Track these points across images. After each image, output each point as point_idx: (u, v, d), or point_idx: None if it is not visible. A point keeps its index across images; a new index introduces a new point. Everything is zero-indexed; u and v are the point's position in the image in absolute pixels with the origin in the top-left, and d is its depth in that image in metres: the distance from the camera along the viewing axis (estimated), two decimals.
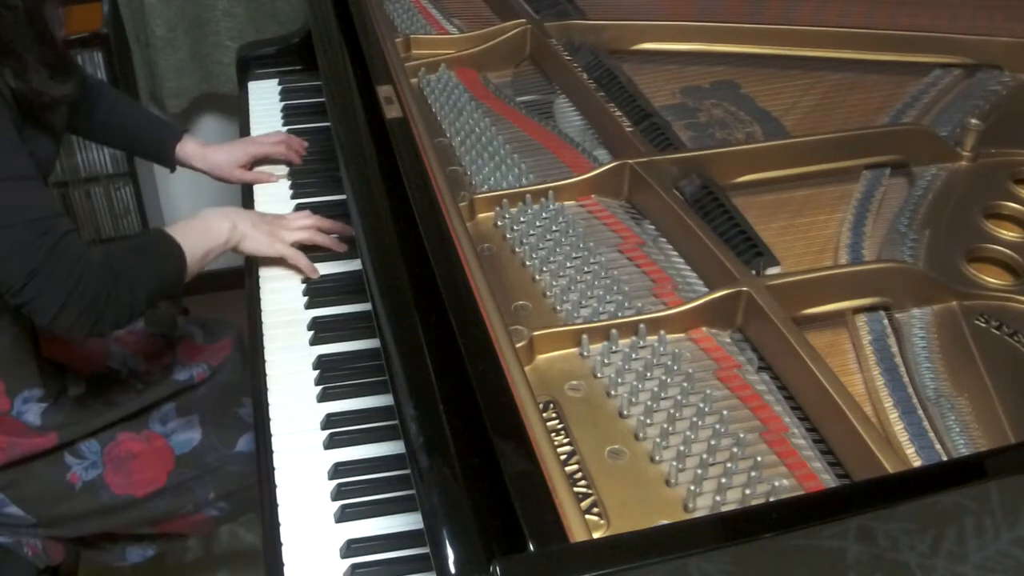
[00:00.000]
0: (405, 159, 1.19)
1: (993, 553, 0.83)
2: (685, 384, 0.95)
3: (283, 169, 1.63)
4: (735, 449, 0.88)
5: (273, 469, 1.14)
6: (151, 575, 1.92)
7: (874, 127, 1.33)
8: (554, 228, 1.15)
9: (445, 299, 0.98)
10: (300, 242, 1.40)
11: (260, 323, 1.34)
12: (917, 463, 0.88)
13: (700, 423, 0.91)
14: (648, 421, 0.91)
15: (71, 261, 1.13)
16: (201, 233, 1.32)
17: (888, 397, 0.96)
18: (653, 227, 1.17)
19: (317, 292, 1.38)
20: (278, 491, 1.12)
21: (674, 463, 0.86)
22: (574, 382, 0.96)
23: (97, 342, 1.46)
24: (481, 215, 1.18)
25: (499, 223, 1.17)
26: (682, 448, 0.89)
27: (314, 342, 1.31)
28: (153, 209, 2.43)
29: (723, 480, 0.85)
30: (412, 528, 1.07)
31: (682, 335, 1.02)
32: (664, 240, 1.15)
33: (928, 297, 1.06)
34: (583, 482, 0.85)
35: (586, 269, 1.09)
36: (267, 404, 1.22)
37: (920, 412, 0.94)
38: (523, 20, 1.52)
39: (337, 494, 1.11)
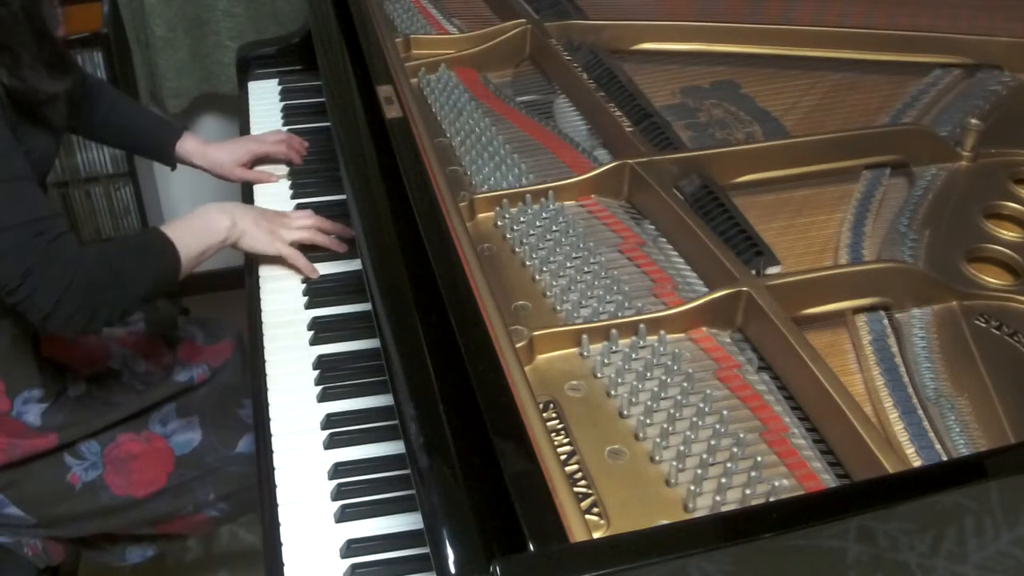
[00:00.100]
0: (405, 159, 1.19)
1: (993, 553, 0.83)
2: (685, 384, 0.95)
3: (283, 169, 1.63)
4: (735, 449, 0.88)
5: (273, 469, 1.14)
6: (151, 575, 1.92)
7: (874, 127, 1.33)
8: (554, 228, 1.15)
9: (445, 299, 0.98)
10: (300, 241, 1.40)
11: (260, 323, 1.34)
12: (917, 463, 0.88)
13: (700, 423, 0.91)
14: (648, 421, 0.91)
15: (65, 262, 1.14)
16: (199, 230, 1.32)
17: (888, 397, 0.96)
18: (653, 227, 1.17)
19: (317, 292, 1.38)
20: (278, 491, 1.12)
21: (674, 463, 0.86)
22: (574, 382, 0.96)
23: (97, 342, 1.46)
24: (481, 215, 1.18)
25: (499, 223, 1.17)
26: (682, 448, 0.89)
27: (314, 342, 1.31)
28: (153, 209, 2.43)
29: (723, 480, 0.85)
30: (412, 528, 1.07)
31: (682, 335, 1.02)
32: (664, 240, 1.15)
33: (928, 297, 1.06)
34: (583, 482, 0.85)
35: (586, 269, 1.09)
36: (267, 404, 1.22)
37: (920, 412, 0.94)
38: (523, 20, 1.52)
39: (337, 494, 1.11)
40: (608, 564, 0.71)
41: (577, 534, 0.76)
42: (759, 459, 0.87)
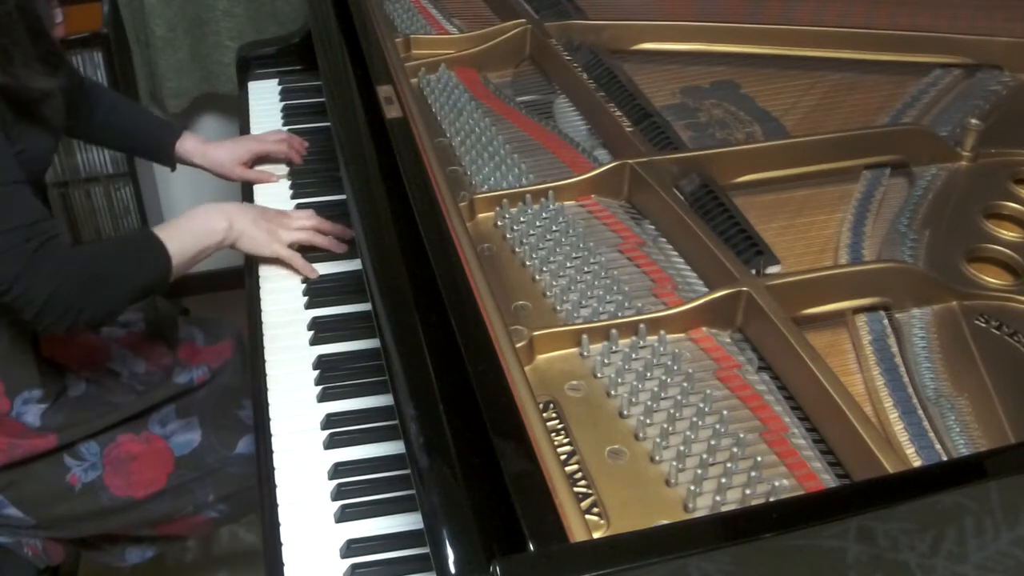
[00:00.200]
0: (405, 159, 1.19)
1: (993, 553, 0.83)
2: (685, 384, 0.95)
3: (283, 169, 1.63)
4: (735, 449, 0.88)
5: (273, 469, 1.14)
6: (151, 575, 1.92)
7: (874, 127, 1.33)
8: (554, 228, 1.15)
9: (445, 299, 0.98)
10: (298, 242, 1.40)
11: (260, 323, 1.34)
12: (917, 463, 0.88)
13: (700, 423, 0.91)
14: (648, 421, 0.91)
15: (54, 264, 1.16)
16: (196, 231, 1.32)
17: (888, 397, 0.96)
18: (653, 227, 1.17)
19: (317, 292, 1.38)
20: (278, 491, 1.12)
21: (674, 463, 0.86)
22: (574, 382, 0.96)
23: (97, 343, 1.46)
24: (481, 215, 1.18)
25: (499, 223, 1.17)
26: (682, 448, 0.88)
27: (314, 342, 1.31)
28: (153, 209, 2.43)
29: (723, 480, 0.85)
30: (412, 528, 1.07)
31: (682, 335, 1.02)
32: (664, 240, 1.15)
33: (928, 297, 1.06)
34: (583, 482, 0.85)
35: (586, 269, 1.09)
36: (267, 404, 1.22)
37: (920, 412, 0.94)
38: (523, 20, 1.52)
39: (337, 494, 1.11)
40: (608, 564, 0.71)
41: (577, 534, 0.76)
42: (759, 459, 0.87)
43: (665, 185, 1.16)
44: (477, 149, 1.28)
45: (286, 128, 1.73)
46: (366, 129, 1.29)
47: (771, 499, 0.84)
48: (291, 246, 1.40)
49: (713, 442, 0.89)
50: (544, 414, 0.89)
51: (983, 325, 1.03)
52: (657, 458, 0.88)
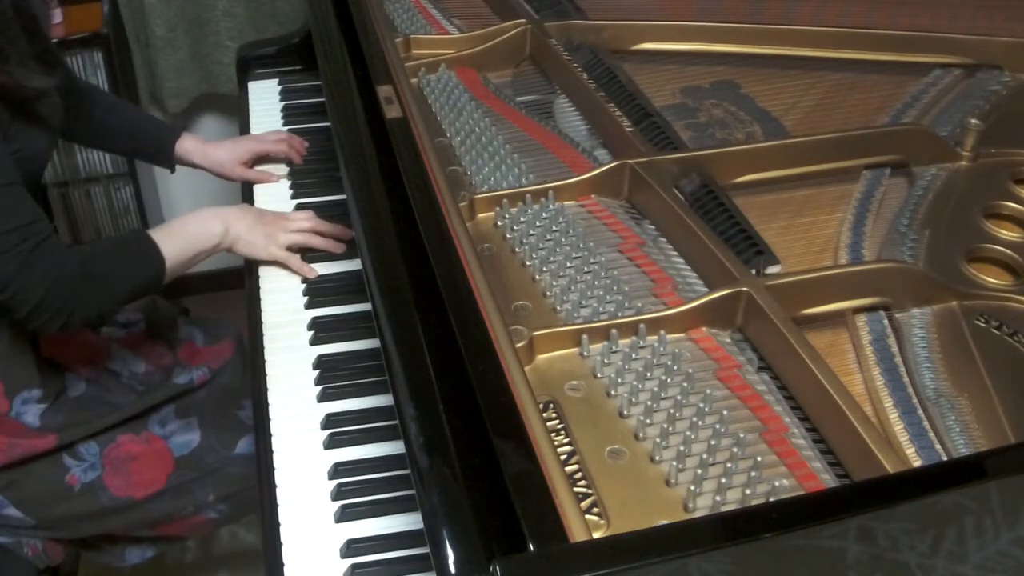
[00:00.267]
0: (405, 159, 1.19)
1: (993, 553, 0.83)
2: (685, 384, 0.95)
3: (283, 169, 1.63)
4: (735, 449, 0.88)
5: (273, 469, 1.14)
6: (151, 575, 1.92)
7: (874, 127, 1.33)
8: (554, 228, 1.14)
9: (445, 299, 0.98)
10: (296, 244, 1.41)
11: (260, 323, 1.34)
12: (917, 463, 0.88)
13: (700, 423, 0.91)
14: (648, 421, 0.91)
15: (48, 265, 1.17)
16: (191, 235, 1.33)
17: (888, 397, 0.96)
18: (653, 227, 1.17)
19: (317, 292, 1.38)
20: (278, 491, 1.12)
21: (674, 463, 0.86)
22: (574, 382, 0.96)
23: (97, 343, 1.46)
24: (481, 215, 1.18)
25: (499, 223, 1.17)
26: (682, 448, 0.88)
27: (314, 342, 1.31)
28: (153, 209, 2.43)
29: (723, 480, 0.85)
30: (412, 528, 1.07)
31: (682, 335, 1.02)
32: (664, 240, 1.15)
33: (928, 297, 1.06)
34: (583, 482, 0.85)
35: (586, 269, 1.09)
36: (267, 404, 1.23)
37: (920, 412, 0.94)
38: (523, 20, 1.52)
39: (337, 494, 1.11)
40: (608, 564, 0.70)
41: (577, 534, 0.76)
42: (759, 459, 0.87)
43: (665, 185, 1.16)
44: (477, 149, 1.28)
45: (286, 128, 1.73)
46: (366, 129, 1.29)
47: (771, 499, 0.84)
48: (289, 248, 1.40)
49: (713, 442, 0.89)
50: (544, 414, 0.89)
51: (983, 325, 1.03)
52: (657, 458, 0.88)
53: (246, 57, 1.90)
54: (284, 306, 1.37)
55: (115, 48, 2.12)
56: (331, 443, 1.17)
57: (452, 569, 0.77)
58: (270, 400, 1.23)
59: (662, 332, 1.00)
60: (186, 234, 1.33)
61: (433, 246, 1.05)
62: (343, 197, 1.49)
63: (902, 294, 1.06)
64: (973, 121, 1.28)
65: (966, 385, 0.97)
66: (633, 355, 0.98)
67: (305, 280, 1.40)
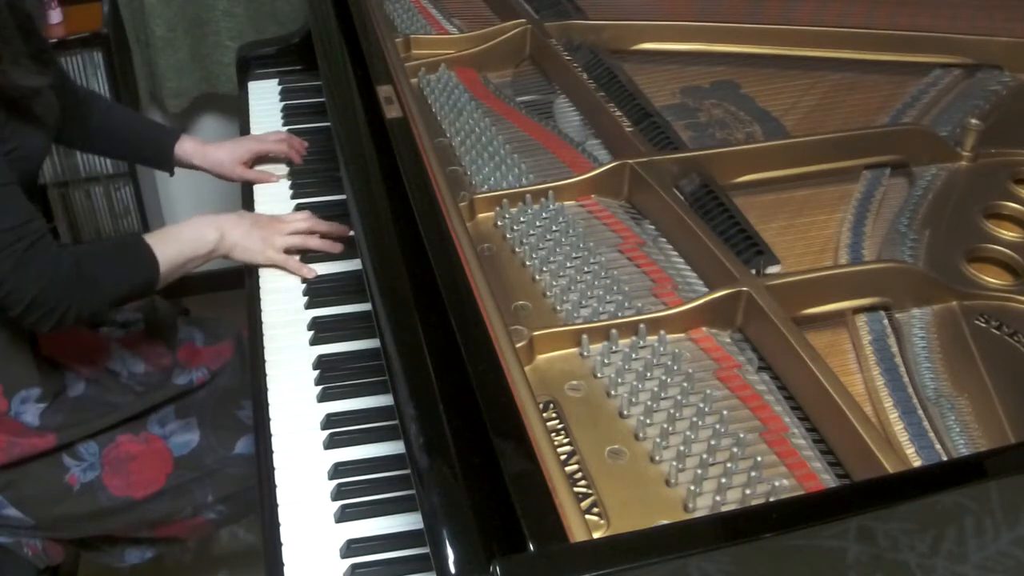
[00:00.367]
0: (405, 159, 1.19)
1: (993, 553, 0.83)
2: (685, 384, 0.95)
3: (283, 169, 1.63)
4: (735, 449, 0.88)
5: (273, 469, 1.14)
6: (151, 575, 1.92)
7: (874, 127, 1.33)
8: (554, 228, 1.14)
9: (445, 299, 0.98)
10: (293, 247, 1.41)
11: (260, 323, 1.34)
12: (917, 463, 0.88)
13: (700, 423, 0.91)
14: (648, 421, 0.91)
15: (42, 264, 1.18)
16: (186, 240, 1.34)
17: (888, 397, 0.96)
18: (653, 227, 1.17)
19: (317, 292, 1.38)
20: (278, 491, 1.11)
21: (674, 463, 0.86)
22: (574, 382, 0.96)
23: (96, 343, 1.46)
24: (481, 215, 1.18)
25: (499, 223, 1.17)
26: (682, 448, 0.88)
27: (314, 342, 1.31)
28: (153, 209, 2.43)
29: (723, 480, 0.85)
30: (412, 528, 1.07)
31: (682, 335, 1.02)
32: (664, 240, 1.15)
33: (928, 297, 1.06)
34: (583, 482, 0.85)
35: (586, 269, 1.09)
36: (267, 404, 1.22)
37: (920, 412, 0.94)
38: (523, 20, 1.52)
39: (337, 494, 1.11)
40: (608, 564, 0.70)
41: (577, 534, 0.76)
42: (759, 459, 0.86)
43: (665, 185, 1.16)
44: (477, 149, 1.28)
45: (286, 128, 1.73)
46: (366, 129, 1.29)
47: (771, 499, 0.84)
48: (287, 251, 1.40)
49: (713, 442, 0.89)
50: (544, 414, 0.89)
51: (983, 325, 1.03)
52: (657, 458, 0.88)
53: (246, 57, 1.90)
54: (284, 306, 1.37)
55: (115, 48, 2.12)
56: (331, 443, 1.17)
57: (452, 569, 0.77)
58: (270, 400, 1.23)
59: (662, 332, 1.00)
60: (181, 239, 1.34)
61: (433, 246, 1.05)
62: (343, 197, 1.49)
63: (902, 294, 1.06)
64: (973, 121, 1.28)
65: (966, 385, 0.97)
66: (633, 355, 0.98)
67: (305, 280, 1.40)
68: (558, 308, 1.04)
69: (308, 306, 1.36)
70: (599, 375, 0.97)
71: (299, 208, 1.52)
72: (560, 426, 0.91)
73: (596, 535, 0.79)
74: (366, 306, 1.32)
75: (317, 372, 1.26)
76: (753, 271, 1.05)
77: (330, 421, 1.19)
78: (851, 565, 0.78)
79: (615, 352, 0.98)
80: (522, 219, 1.16)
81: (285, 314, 1.35)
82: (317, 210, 1.47)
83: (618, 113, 1.30)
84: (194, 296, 2.48)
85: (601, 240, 1.13)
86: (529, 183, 1.21)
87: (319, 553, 1.05)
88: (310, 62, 1.82)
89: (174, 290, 1.38)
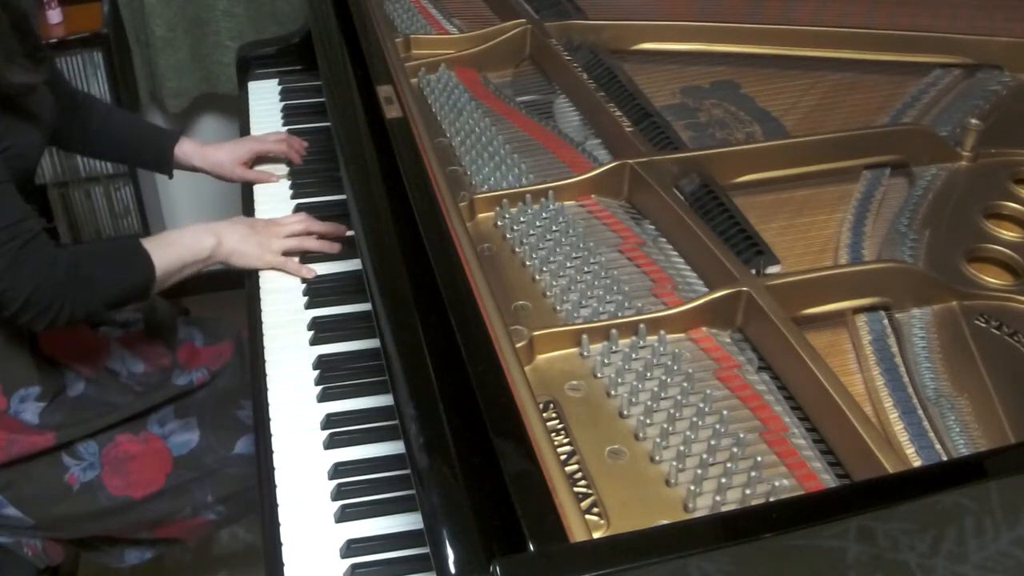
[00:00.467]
0: (405, 159, 1.19)
1: (993, 553, 0.83)
2: (685, 384, 0.95)
3: (283, 169, 1.63)
4: (735, 449, 0.88)
5: (273, 469, 1.14)
6: (151, 575, 1.92)
7: (874, 127, 1.33)
8: (554, 228, 1.14)
9: (445, 299, 0.98)
10: (291, 249, 1.41)
11: (260, 323, 1.34)
12: (917, 463, 0.88)
13: (700, 423, 0.91)
14: (648, 421, 0.91)
15: (36, 263, 1.18)
16: (182, 246, 1.35)
17: (888, 397, 0.96)
18: (653, 227, 1.17)
19: (317, 292, 1.38)
20: (278, 491, 1.11)
21: (674, 463, 0.86)
22: (574, 382, 0.96)
23: (96, 342, 1.46)
24: (481, 215, 1.18)
25: (499, 223, 1.17)
26: (682, 448, 0.88)
27: (314, 342, 1.31)
28: (153, 209, 2.43)
29: (723, 480, 0.85)
30: (412, 528, 1.07)
31: (682, 335, 1.02)
32: (664, 240, 1.15)
33: (928, 297, 1.06)
34: (583, 482, 0.85)
35: (586, 269, 1.09)
36: (267, 404, 1.22)
37: (920, 412, 0.94)
38: (523, 20, 1.52)
39: (337, 494, 1.11)
40: (608, 564, 0.70)
41: (577, 534, 0.76)
42: (759, 459, 0.86)
43: (665, 185, 1.16)
44: (477, 149, 1.28)
45: (286, 128, 1.73)
46: (366, 129, 1.29)
47: (771, 499, 0.84)
48: (285, 253, 1.40)
49: (713, 442, 0.89)
50: (544, 414, 0.89)
51: (983, 325, 1.03)
52: (657, 458, 0.88)
53: (246, 57, 1.90)
54: (284, 306, 1.37)
55: (115, 48, 2.12)
56: (331, 443, 1.17)
57: (452, 569, 0.77)
58: (270, 400, 1.23)
59: (662, 332, 1.00)
60: (177, 245, 1.34)
61: (433, 246, 1.05)
62: (343, 197, 1.49)
63: (902, 294, 1.06)
64: (973, 121, 1.28)
65: (966, 385, 0.97)
66: (633, 355, 0.98)
67: (305, 280, 1.40)
68: (558, 308, 1.04)
69: (308, 306, 1.36)
70: (599, 375, 0.97)
71: (299, 208, 1.52)
72: (560, 426, 0.91)
73: (596, 535, 0.79)
74: (366, 306, 1.32)
75: (317, 372, 1.26)
76: (753, 271, 1.06)
77: (330, 421, 1.19)
78: (851, 565, 0.78)
79: (615, 352, 0.98)
80: (522, 219, 1.16)
81: (285, 314, 1.35)
82: (317, 210, 1.47)
83: (618, 113, 1.30)
84: (194, 296, 2.48)
85: (601, 240, 1.13)
86: (529, 183, 1.21)
87: (319, 553, 1.05)
88: (310, 62, 1.82)
89: (174, 290, 1.38)
